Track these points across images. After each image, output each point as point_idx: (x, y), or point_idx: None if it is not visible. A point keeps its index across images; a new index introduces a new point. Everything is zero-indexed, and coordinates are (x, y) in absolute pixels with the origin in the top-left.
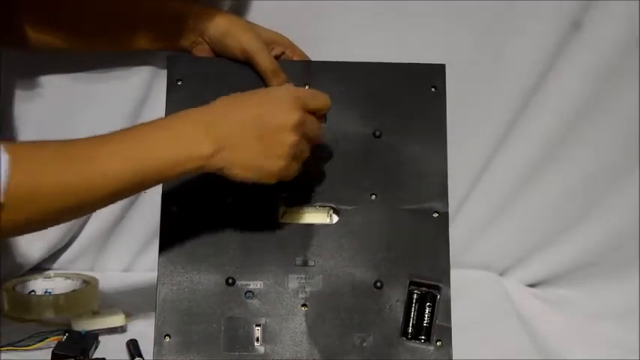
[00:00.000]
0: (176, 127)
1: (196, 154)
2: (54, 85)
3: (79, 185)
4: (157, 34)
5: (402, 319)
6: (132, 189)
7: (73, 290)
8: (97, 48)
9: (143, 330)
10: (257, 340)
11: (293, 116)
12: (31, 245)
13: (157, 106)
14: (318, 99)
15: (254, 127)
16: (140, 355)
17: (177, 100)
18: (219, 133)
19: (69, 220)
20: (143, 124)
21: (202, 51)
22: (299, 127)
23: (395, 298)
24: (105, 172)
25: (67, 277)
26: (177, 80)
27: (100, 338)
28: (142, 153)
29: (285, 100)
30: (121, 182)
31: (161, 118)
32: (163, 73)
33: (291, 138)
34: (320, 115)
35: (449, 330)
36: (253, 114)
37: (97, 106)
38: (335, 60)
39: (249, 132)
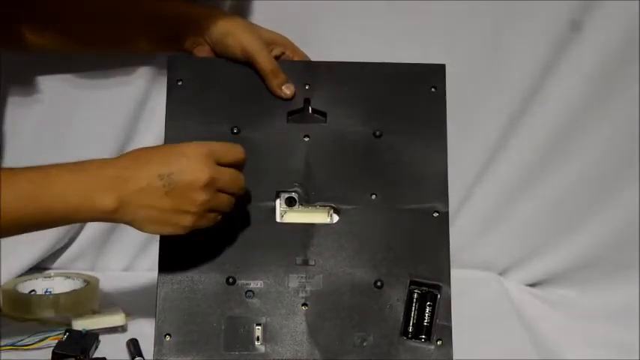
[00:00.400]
0: (83, 177)
1: (99, 207)
2: (52, 90)
3: None
4: (158, 35)
5: (402, 318)
6: (38, 226)
7: (74, 290)
8: (97, 49)
9: (143, 329)
10: (257, 339)
11: (204, 174)
12: (32, 245)
13: (157, 110)
14: (232, 152)
15: (163, 184)
16: (140, 355)
17: (178, 101)
18: (125, 188)
19: None
20: (55, 166)
21: (203, 51)
22: (210, 184)
23: (395, 298)
24: (7, 209)
25: (67, 276)
26: (178, 81)
27: (101, 338)
28: (46, 196)
29: (196, 157)
30: (24, 220)
31: (73, 163)
32: (162, 77)
33: (201, 197)
34: (239, 166)
35: (449, 329)
36: (162, 171)
37: (96, 111)
38: (335, 60)
39: (157, 189)
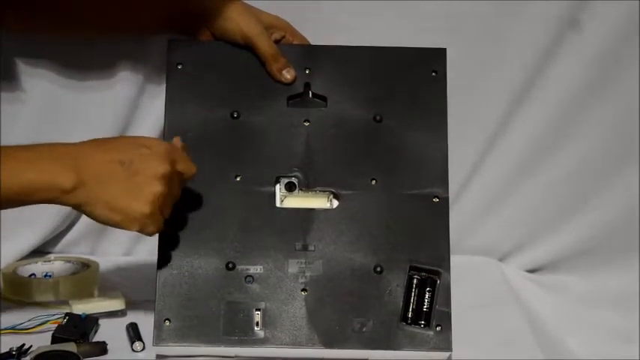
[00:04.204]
0: (44, 154)
1: (57, 183)
2: (43, 90)
3: None
4: (156, 20)
5: (401, 303)
6: None
7: (73, 274)
8: (93, 34)
9: (143, 314)
10: (257, 324)
11: (164, 166)
12: (32, 228)
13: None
14: (187, 163)
15: (123, 167)
16: (140, 339)
17: (178, 85)
18: (85, 168)
19: None
20: (11, 146)
21: (202, 35)
22: (167, 179)
23: (395, 283)
24: None
25: (67, 260)
26: (178, 64)
27: (100, 322)
28: (5, 172)
29: (159, 149)
30: None
31: (31, 144)
32: (153, 78)
33: (159, 187)
34: (184, 180)
35: (448, 315)
36: (124, 157)
37: (85, 113)
38: (335, 44)
39: (118, 171)
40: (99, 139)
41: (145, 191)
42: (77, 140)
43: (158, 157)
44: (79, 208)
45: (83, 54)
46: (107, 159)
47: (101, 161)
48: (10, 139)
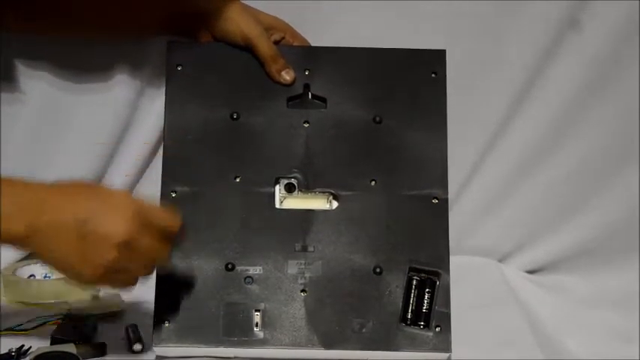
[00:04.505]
0: (7, 193)
1: (9, 230)
2: (42, 91)
3: None
4: (157, 20)
5: (401, 304)
6: None
7: None
8: (93, 34)
9: (142, 315)
10: (256, 325)
11: (122, 232)
12: None
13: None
14: (165, 217)
15: (77, 226)
16: (139, 340)
17: (178, 86)
18: (40, 218)
19: None
20: None
21: (202, 36)
22: (126, 244)
23: (394, 284)
24: None
25: None
26: (178, 66)
27: (100, 323)
28: None
29: (123, 211)
30: None
31: (6, 178)
32: (153, 82)
33: (111, 254)
34: (168, 236)
35: (448, 316)
36: (82, 214)
37: (85, 116)
38: (335, 45)
39: (70, 231)
40: (72, 183)
41: (96, 256)
42: (75, 141)
43: (119, 220)
44: (37, 256)
45: (82, 55)
46: (66, 211)
47: (59, 212)
48: (10, 140)
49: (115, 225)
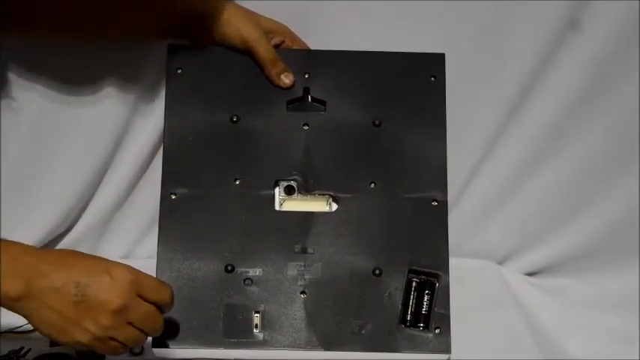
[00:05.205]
0: (2, 254)
1: (3, 289)
2: (35, 103)
3: None
4: (157, 24)
5: (400, 306)
6: None
7: None
8: (93, 39)
9: None
10: (256, 326)
11: (118, 300)
12: (31, 230)
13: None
14: (158, 290)
15: (75, 292)
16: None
17: (178, 89)
18: (37, 281)
19: None
20: None
21: (202, 40)
22: (120, 313)
23: (394, 286)
24: None
25: None
26: (177, 69)
27: None
28: None
29: (120, 280)
30: None
31: (4, 240)
32: (154, 83)
33: (106, 321)
34: (162, 306)
35: (447, 318)
36: (81, 280)
37: (80, 129)
38: (334, 49)
39: (68, 295)
40: (69, 251)
41: (89, 321)
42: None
43: (117, 289)
44: (27, 318)
45: (77, 66)
46: (64, 276)
47: (57, 277)
48: (6, 151)
49: (112, 292)
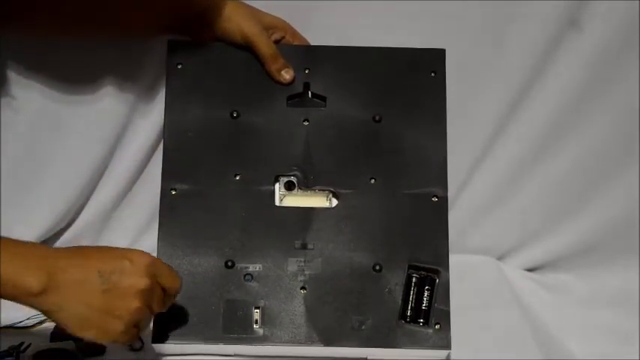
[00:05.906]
0: (18, 250)
1: (23, 284)
2: (35, 102)
3: None
4: (158, 20)
5: (400, 302)
6: None
7: None
8: (93, 35)
9: None
10: (256, 322)
11: (143, 281)
12: (30, 226)
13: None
14: (171, 276)
15: (102, 278)
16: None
17: (178, 85)
18: (59, 274)
19: None
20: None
21: (202, 35)
22: (146, 294)
23: (394, 282)
24: None
25: None
26: (178, 65)
27: None
28: None
29: (139, 264)
30: None
31: (11, 239)
32: (153, 80)
33: (136, 303)
34: (170, 295)
35: (447, 313)
36: (104, 266)
37: (79, 128)
38: (335, 44)
39: (94, 285)
40: (81, 246)
41: (121, 307)
42: (73, 145)
43: (139, 271)
44: (49, 316)
45: (77, 64)
46: (86, 265)
47: (80, 266)
48: (5, 149)
49: (136, 275)
